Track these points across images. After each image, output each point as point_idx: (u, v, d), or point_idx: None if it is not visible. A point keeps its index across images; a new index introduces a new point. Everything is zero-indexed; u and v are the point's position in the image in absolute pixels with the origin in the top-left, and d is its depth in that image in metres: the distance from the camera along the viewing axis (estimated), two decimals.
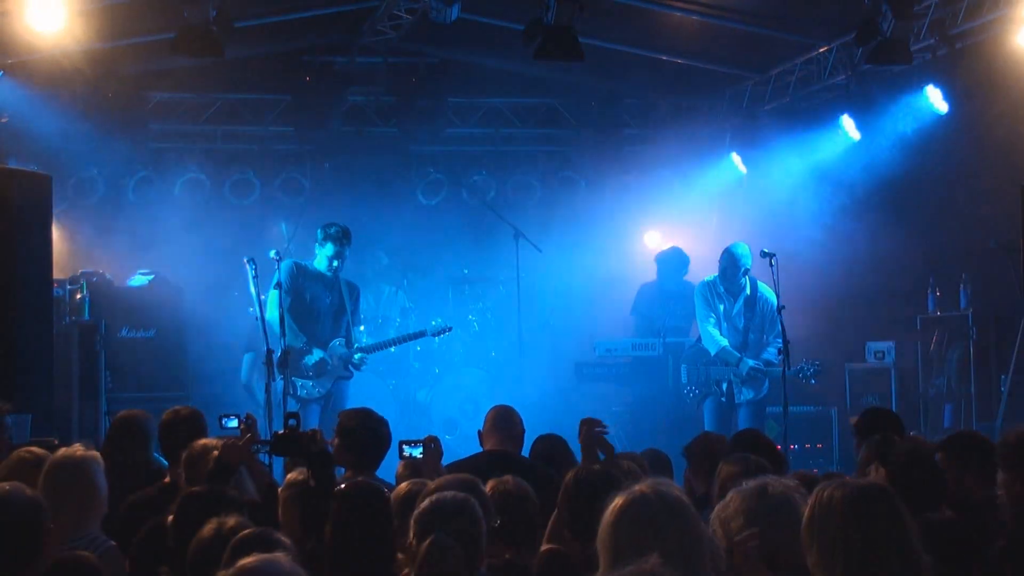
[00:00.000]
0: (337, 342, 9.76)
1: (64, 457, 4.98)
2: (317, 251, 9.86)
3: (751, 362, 10.05)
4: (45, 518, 4.09)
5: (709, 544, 3.42)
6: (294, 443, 4.93)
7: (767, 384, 10.18)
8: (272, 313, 9.23)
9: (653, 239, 13.80)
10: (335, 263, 9.77)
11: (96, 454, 5.08)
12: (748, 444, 5.73)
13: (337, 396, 9.74)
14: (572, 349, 12.35)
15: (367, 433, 5.97)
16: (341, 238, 9.81)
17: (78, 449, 5.06)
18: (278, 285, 9.22)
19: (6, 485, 4.21)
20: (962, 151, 11.07)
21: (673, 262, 11.79)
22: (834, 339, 12.06)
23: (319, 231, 9.89)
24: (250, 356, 11.91)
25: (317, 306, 9.78)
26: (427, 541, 3.92)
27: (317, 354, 9.64)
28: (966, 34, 10.42)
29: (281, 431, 5.04)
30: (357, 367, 9.83)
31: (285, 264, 9.44)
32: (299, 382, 9.56)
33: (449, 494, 4.14)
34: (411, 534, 4.04)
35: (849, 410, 11.06)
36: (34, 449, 5.53)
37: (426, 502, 4.07)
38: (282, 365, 9.20)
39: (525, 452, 6.37)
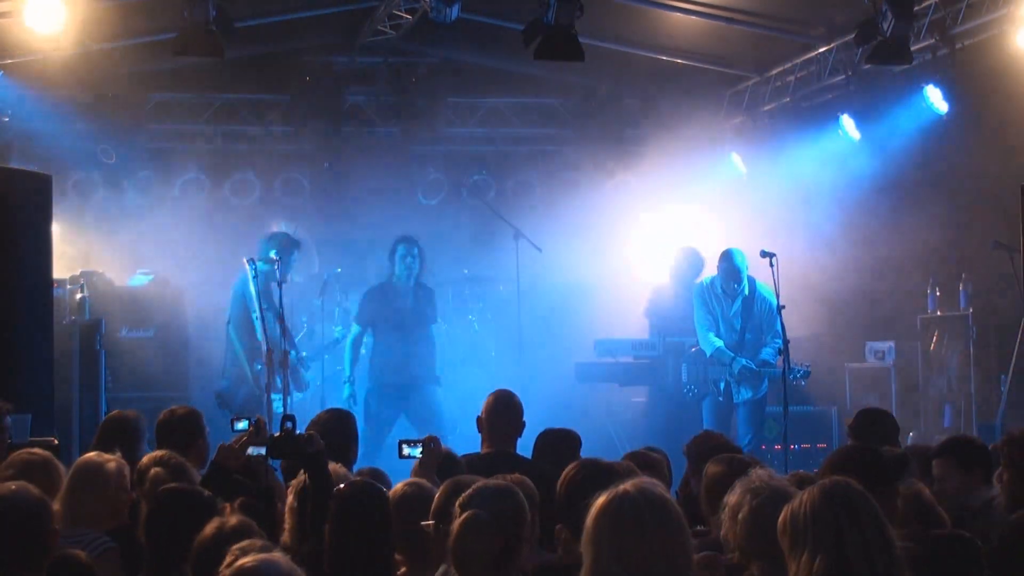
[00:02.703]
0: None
1: (89, 461, 5.03)
2: (271, 263, 10.01)
3: (743, 361, 10.13)
4: (50, 517, 4.11)
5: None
6: (291, 445, 4.93)
7: (766, 384, 10.21)
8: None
9: (653, 239, 13.80)
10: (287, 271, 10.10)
11: (123, 463, 5.13)
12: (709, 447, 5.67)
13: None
14: (572, 349, 12.34)
15: (332, 426, 6.08)
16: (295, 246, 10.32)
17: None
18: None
19: (11, 484, 4.23)
20: (962, 151, 11.06)
21: (694, 263, 11.68)
22: (834, 339, 12.06)
23: (274, 242, 10.22)
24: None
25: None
26: (463, 516, 3.85)
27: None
28: (966, 34, 10.41)
29: (278, 433, 5.04)
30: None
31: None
32: (276, 396, 9.70)
33: (493, 481, 4.09)
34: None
35: (849, 410, 11.05)
36: (37, 450, 5.56)
37: (471, 488, 4.00)
38: (283, 365, 9.28)
39: (531, 444, 6.32)
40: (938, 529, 4.60)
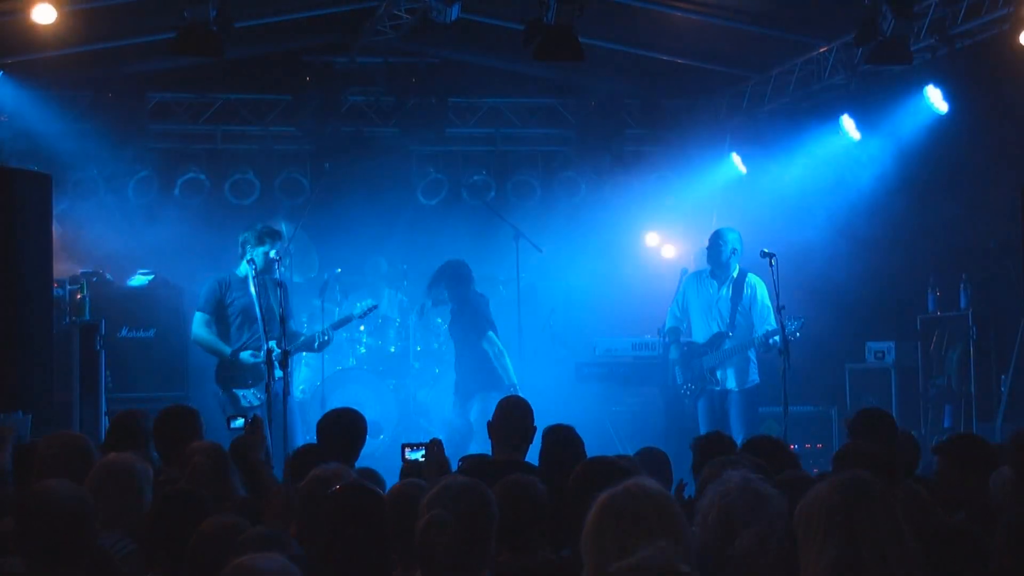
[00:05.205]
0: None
1: (116, 461, 5.04)
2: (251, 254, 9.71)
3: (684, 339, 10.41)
4: (91, 513, 4.15)
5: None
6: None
7: (755, 373, 10.18)
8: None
9: (653, 239, 13.82)
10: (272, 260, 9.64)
11: (148, 464, 5.14)
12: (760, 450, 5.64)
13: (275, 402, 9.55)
14: (572, 349, 12.34)
15: (334, 427, 6.24)
16: (277, 235, 9.83)
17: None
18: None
19: (53, 480, 4.30)
20: (962, 151, 11.06)
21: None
22: (834, 339, 12.05)
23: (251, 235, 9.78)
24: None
25: (249, 313, 9.63)
26: (425, 518, 3.86)
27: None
28: (966, 34, 10.41)
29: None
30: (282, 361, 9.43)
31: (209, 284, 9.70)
32: (240, 392, 9.52)
33: (460, 478, 4.10)
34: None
35: (849, 410, 11.06)
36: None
37: (436, 487, 4.03)
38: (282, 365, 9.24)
39: (536, 444, 6.32)
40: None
